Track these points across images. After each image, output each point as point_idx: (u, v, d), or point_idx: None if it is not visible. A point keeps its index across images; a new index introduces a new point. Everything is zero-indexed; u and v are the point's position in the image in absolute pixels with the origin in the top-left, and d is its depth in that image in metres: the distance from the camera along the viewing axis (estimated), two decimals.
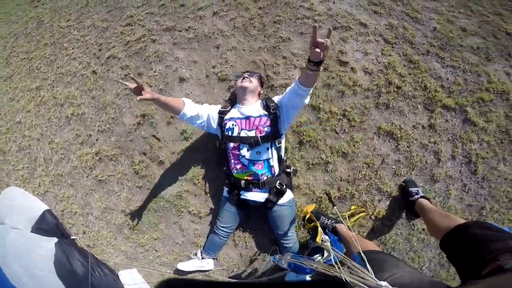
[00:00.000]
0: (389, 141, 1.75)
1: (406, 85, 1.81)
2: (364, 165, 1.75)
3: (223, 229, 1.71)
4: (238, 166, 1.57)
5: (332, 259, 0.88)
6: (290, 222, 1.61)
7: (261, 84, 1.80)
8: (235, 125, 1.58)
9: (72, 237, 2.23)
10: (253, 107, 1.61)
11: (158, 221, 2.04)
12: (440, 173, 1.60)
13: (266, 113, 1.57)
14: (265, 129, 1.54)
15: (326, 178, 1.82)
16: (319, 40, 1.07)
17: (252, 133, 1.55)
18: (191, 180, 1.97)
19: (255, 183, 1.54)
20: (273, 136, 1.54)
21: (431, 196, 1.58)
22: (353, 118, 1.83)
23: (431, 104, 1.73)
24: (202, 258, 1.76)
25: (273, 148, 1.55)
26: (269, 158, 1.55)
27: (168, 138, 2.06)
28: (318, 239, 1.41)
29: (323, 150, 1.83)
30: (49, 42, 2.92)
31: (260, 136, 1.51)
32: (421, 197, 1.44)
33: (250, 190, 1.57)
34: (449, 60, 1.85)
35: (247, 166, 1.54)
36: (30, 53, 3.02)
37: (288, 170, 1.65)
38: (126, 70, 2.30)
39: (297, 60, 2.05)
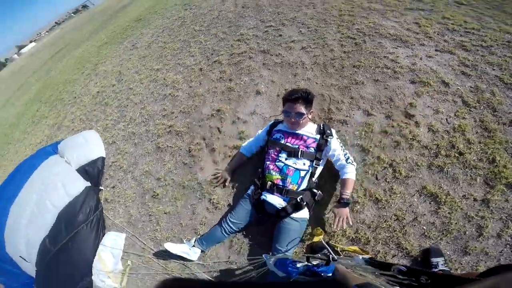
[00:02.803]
0: (430, 203, 1.72)
1: (472, 153, 1.77)
2: (393, 217, 1.76)
3: (230, 223, 1.83)
4: (271, 167, 1.80)
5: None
6: (292, 239, 1.67)
7: (310, 108, 1.86)
8: (282, 137, 1.89)
9: (100, 188, 2.71)
10: (303, 129, 1.85)
11: (179, 197, 2.32)
12: (475, 247, 1.47)
13: (317, 137, 1.78)
14: (309, 149, 1.76)
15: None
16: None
17: (295, 146, 1.79)
18: None
19: (280, 188, 1.73)
20: (314, 156, 1.74)
21: (454, 268, 1.47)
22: (399, 171, 1.87)
23: (493, 179, 1.64)
24: (193, 246, 1.87)
25: (309, 166, 1.75)
26: (301, 170, 1.73)
27: (228, 133, 2.59)
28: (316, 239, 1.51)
29: (356, 190, 1.92)
30: (182, 39, 4.20)
31: (301, 150, 1.74)
32: (440, 270, 1.39)
33: (272, 193, 1.74)
34: None
35: (280, 169, 1.76)
36: (166, 44, 4.39)
37: (315, 190, 1.75)
38: (222, 74, 3.08)
39: (363, 103, 2.27)
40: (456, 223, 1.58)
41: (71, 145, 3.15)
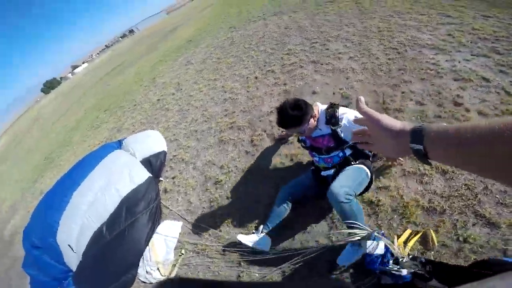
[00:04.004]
0: None
1: None
2: (464, 186, 1.82)
3: (290, 189, 1.87)
4: (315, 161, 1.93)
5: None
6: (353, 178, 1.65)
7: (307, 120, 1.70)
8: (307, 141, 1.91)
9: (160, 179, 2.78)
10: (315, 131, 1.81)
11: (243, 182, 2.39)
12: None
13: (328, 130, 1.74)
14: (330, 144, 1.77)
15: (419, 188, 1.97)
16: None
17: (319, 147, 1.82)
18: (288, 157, 2.41)
19: (331, 167, 1.84)
20: (336, 147, 1.77)
21: None
22: None
23: None
24: (261, 232, 1.83)
25: (341, 151, 1.79)
26: (338, 155, 1.80)
27: None
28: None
29: (422, 163, 2.07)
30: (234, 55, 4.65)
31: (324, 149, 1.80)
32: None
33: (328, 170, 1.86)
34: None
35: (319, 162, 1.88)
36: (220, 59, 4.85)
37: (366, 151, 1.79)
38: (277, 80, 3.39)
39: (414, 96, 2.48)
40: None
41: (135, 140, 3.28)
